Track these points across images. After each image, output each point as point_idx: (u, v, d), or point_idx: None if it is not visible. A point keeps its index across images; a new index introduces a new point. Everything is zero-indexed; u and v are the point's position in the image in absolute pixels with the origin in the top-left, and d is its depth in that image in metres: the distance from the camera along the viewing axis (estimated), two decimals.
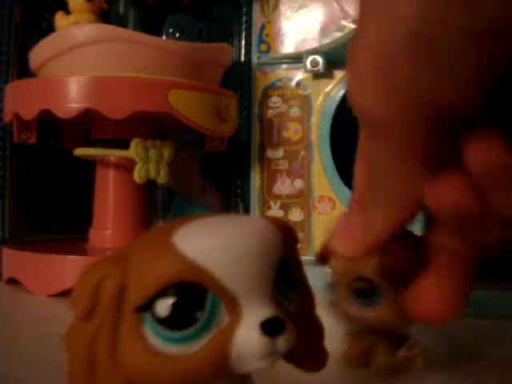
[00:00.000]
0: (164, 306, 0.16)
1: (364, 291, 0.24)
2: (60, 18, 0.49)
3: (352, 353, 0.28)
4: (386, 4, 0.16)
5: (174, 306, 0.15)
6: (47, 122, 0.48)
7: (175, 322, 0.16)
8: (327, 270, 0.27)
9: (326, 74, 0.54)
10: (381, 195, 0.21)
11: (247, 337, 0.16)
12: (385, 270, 0.23)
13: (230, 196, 0.58)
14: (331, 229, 0.25)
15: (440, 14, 0.15)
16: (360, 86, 0.18)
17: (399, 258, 0.23)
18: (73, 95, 0.44)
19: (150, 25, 0.53)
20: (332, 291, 0.26)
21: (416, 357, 0.27)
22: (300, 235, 0.54)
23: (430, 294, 0.22)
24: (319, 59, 0.53)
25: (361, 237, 0.23)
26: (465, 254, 0.22)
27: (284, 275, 0.17)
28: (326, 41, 0.54)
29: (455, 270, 0.22)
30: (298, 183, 0.55)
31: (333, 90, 0.54)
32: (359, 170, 0.24)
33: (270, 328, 0.16)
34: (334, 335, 0.24)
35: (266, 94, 0.57)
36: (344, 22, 0.54)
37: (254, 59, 0.57)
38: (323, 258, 0.26)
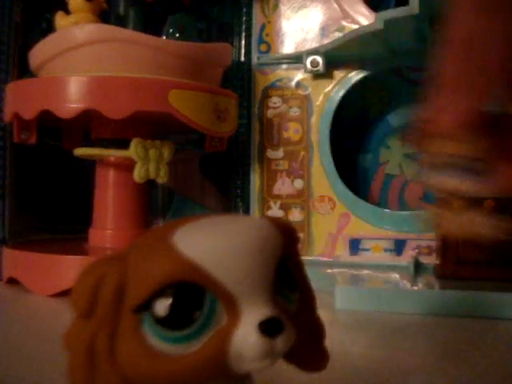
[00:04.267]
0: (163, 306, 0.16)
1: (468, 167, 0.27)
2: (60, 18, 0.49)
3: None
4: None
5: (172, 305, 0.15)
6: (47, 121, 0.48)
7: (174, 321, 0.16)
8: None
9: (326, 74, 0.54)
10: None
11: (245, 337, 0.16)
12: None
13: (230, 196, 0.58)
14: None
15: None
16: None
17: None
18: (73, 95, 0.44)
19: (150, 25, 0.53)
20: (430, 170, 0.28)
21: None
22: (300, 235, 0.54)
23: None
24: (319, 59, 0.53)
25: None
26: None
27: (284, 275, 0.17)
28: (326, 41, 0.54)
29: None
30: (298, 183, 0.55)
31: (333, 90, 0.54)
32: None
33: (268, 328, 0.16)
34: (333, 335, 0.24)
35: (266, 94, 0.57)
36: (344, 22, 0.54)
37: (254, 59, 0.57)
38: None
